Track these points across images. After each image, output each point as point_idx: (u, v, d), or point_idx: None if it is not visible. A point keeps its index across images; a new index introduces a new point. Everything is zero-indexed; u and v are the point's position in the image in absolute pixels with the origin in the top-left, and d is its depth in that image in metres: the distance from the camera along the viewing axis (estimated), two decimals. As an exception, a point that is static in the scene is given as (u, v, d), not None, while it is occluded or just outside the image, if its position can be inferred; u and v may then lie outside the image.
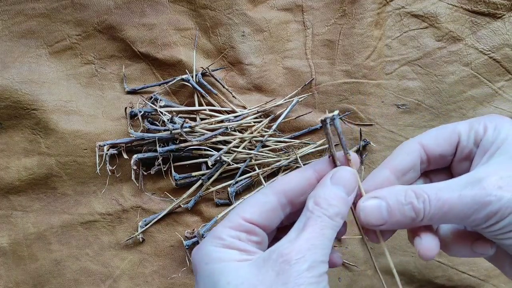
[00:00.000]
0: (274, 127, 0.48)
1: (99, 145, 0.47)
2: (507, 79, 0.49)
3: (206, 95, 0.49)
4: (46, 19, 0.49)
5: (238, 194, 0.48)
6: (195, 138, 0.46)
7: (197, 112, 0.49)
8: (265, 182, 0.48)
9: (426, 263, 0.47)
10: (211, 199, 0.49)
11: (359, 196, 0.30)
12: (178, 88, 0.50)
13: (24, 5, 0.49)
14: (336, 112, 0.29)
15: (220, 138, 0.47)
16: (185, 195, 0.47)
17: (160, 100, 0.48)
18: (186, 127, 0.45)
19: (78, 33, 0.49)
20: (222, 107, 0.49)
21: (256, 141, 0.48)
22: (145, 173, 0.48)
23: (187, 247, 0.46)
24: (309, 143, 0.49)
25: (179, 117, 0.48)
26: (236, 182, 0.48)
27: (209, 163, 0.45)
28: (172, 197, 0.48)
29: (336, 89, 0.50)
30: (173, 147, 0.46)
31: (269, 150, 0.48)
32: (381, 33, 0.50)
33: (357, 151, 0.49)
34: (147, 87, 0.50)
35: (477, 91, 0.49)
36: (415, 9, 0.49)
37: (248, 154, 0.47)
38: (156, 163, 0.47)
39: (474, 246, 0.31)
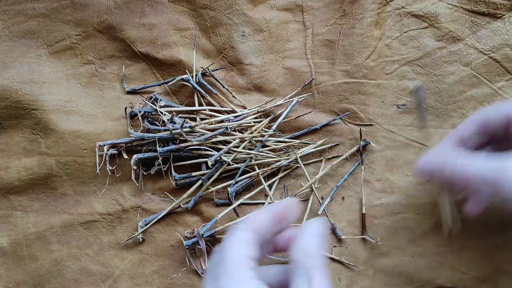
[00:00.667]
0: (274, 127, 0.48)
1: (99, 145, 0.47)
2: (507, 79, 0.49)
3: (206, 95, 0.49)
4: (46, 19, 0.49)
5: (238, 194, 0.48)
6: (195, 138, 0.46)
7: (197, 112, 0.49)
8: (265, 182, 0.48)
9: (426, 263, 0.47)
10: (211, 199, 0.49)
11: None
12: (178, 88, 0.50)
13: (24, 5, 0.49)
14: (419, 84, 0.39)
15: (220, 138, 0.47)
16: (185, 195, 0.47)
17: (160, 100, 0.48)
18: (186, 127, 0.45)
19: (78, 33, 0.49)
20: (222, 107, 0.49)
21: (256, 141, 0.48)
22: (145, 173, 0.48)
23: (187, 247, 0.46)
24: (309, 143, 0.49)
25: (179, 117, 0.48)
26: (236, 182, 0.48)
27: (209, 163, 0.45)
28: (172, 197, 0.48)
29: (336, 89, 0.50)
30: (173, 147, 0.46)
31: (269, 150, 0.48)
32: (381, 33, 0.50)
33: (357, 151, 0.49)
34: (147, 87, 0.50)
35: (477, 91, 0.49)
36: (415, 9, 0.49)
37: (248, 154, 0.47)
38: (156, 163, 0.47)
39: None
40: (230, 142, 0.47)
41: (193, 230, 0.47)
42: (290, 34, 0.50)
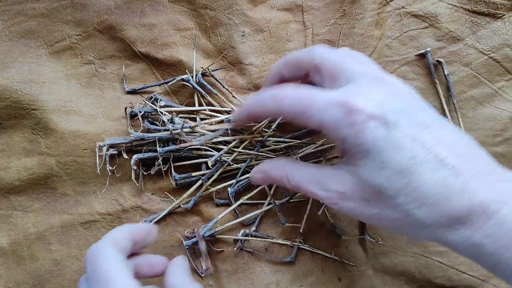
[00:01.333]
0: (274, 127, 0.48)
1: (99, 145, 0.47)
2: (507, 79, 0.49)
3: (206, 95, 0.49)
4: (46, 19, 0.49)
5: (238, 194, 0.48)
6: (195, 138, 0.46)
7: (197, 112, 0.49)
8: (265, 182, 0.48)
9: (426, 263, 0.47)
10: (211, 199, 0.49)
11: None
12: (178, 88, 0.50)
13: (24, 5, 0.49)
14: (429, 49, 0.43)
15: (220, 138, 0.47)
16: (185, 195, 0.47)
17: (160, 100, 0.48)
18: (186, 127, 0.45)
19: (78, 33, 0.49)
20: (222, 107, 0.49)
21: (256, 141, 0.48)
22: (145, 173, 0.48)
23: (187, 247, 0.46)
24: (309, 143, 0.49)
25: (179, 117, 0.48)
26: (237, 182, 0.48)
27: (209, 163, 0.45)
28: (172, 197, 0.48)
29: (336, 89, 0.49)
30: (173, 147, 0.46)
31: (269, 150, 0.48)
32: (381, 33, 0.50)
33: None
34: (147, 87, 0.50)
35: (477, 91, 0.49)
36: (415, 9, 0.49)
37: (248, 154, 0.47)
38: (156, 163, 0.47)
39: None
40: (230, 142, 0.47)
41: (193, 230, 0.47)
42: (290, 34, 0.50)
